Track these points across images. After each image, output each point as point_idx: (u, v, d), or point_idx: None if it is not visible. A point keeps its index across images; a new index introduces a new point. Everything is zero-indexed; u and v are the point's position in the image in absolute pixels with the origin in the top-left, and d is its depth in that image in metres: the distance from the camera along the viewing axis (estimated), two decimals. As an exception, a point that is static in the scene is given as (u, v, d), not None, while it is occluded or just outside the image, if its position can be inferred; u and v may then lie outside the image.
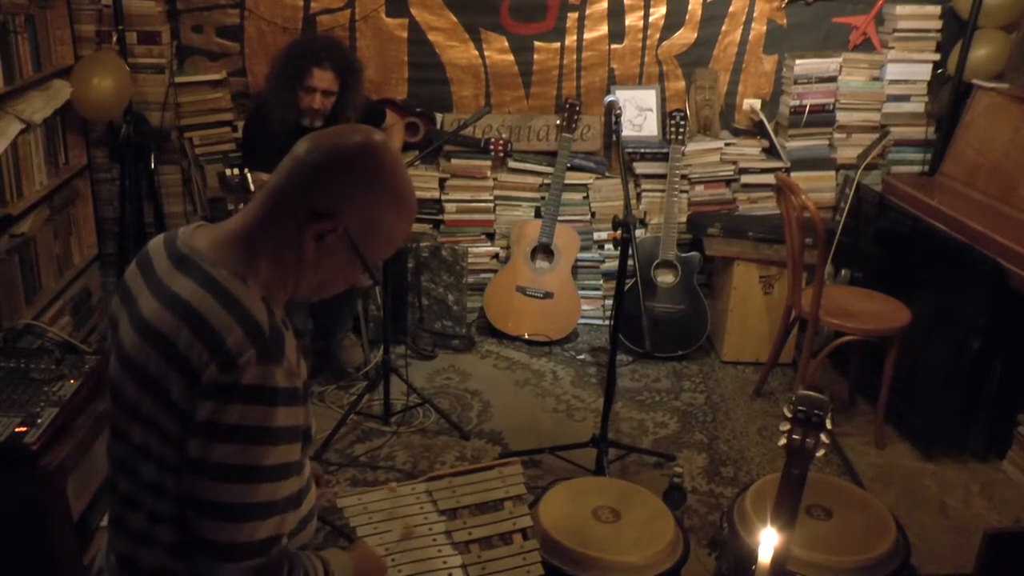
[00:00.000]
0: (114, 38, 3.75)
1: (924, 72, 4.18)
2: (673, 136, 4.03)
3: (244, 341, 1.20)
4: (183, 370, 1.21)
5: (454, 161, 4.23)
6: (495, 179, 4.25)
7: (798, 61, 4.13)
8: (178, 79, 3.97)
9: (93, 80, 3.56)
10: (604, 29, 4.19)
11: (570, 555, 2.03)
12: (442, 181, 4.22)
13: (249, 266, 1.29)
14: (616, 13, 4.16)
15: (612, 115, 3.18)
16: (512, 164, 4.24)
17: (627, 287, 3.00)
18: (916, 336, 3.36)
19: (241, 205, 3.32)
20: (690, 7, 4.15)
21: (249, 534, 1.23)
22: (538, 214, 4.25)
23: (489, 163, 4.22)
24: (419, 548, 1.77)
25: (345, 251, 1.32)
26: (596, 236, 4.31)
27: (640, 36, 4.20)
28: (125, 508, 1.34)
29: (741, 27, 4.20)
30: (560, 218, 4.12)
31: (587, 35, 4.20)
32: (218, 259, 1.29)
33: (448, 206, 4.23)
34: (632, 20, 4.18)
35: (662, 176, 4.13)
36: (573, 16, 4.16)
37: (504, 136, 4.21)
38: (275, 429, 1.22)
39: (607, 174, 4.28)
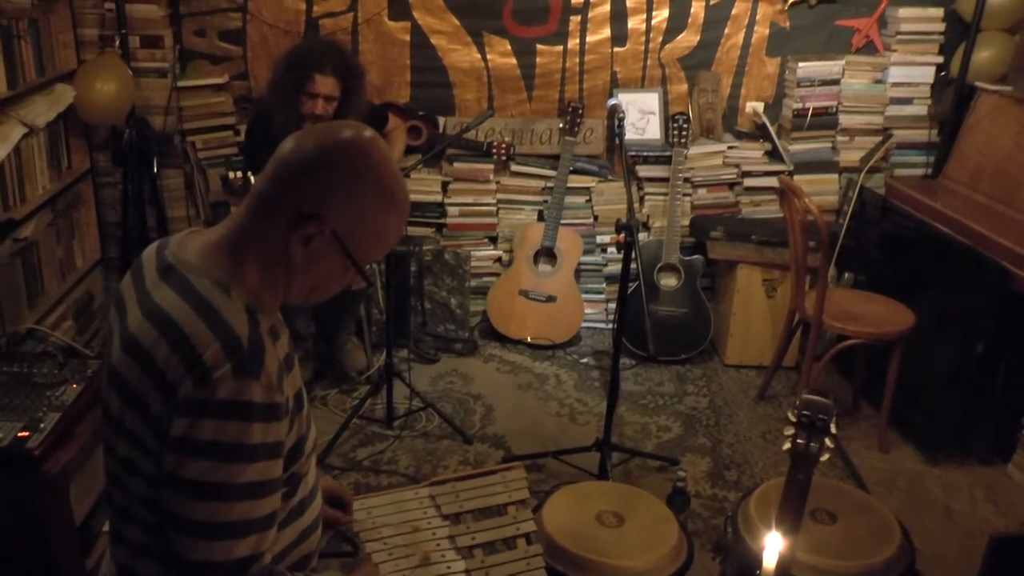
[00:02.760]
0: (117, 42, 3.75)
1: (927, 75, 4.18)
2: (676, 139, 4.03)
3: (220, 355, 1.17)
4: (160, 385, 1.19)
5: (457, 164, 4.22)
6: (498, 182, 4.25)
7: (801, 64, 4.13)
8: (180, 83, 3.97)
9: (96, 84, 3.56)
10: (607, 32, 4.19)
11: (574, 560, 2.02)
12: (445, 185, 4.22)
13: (234, 274, 1.26)
14: (619, 16, 4.16)
15: (615, 118, 3.18)
16: (515, 167, 4.24)
17: (630, 290, 3.00)
18: (920, 339, 3.35)
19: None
20: (693, 10, 4.15)
21: (224, 552, 1.20)
22: (541, 217, 4.25)
23: (492, 166, 4.21)
24: (421, 555, 1.76)
25: (335, 252, 1.29)
26: (599, 239, 4.31)
27: (643, 39, 4.20)
28: (121, 520, 1.32)
29: (744, 30, 4.19)
30: (563, 221, 4.11)
31: (590, 38, 4.20)
32: (202, 268, 1.26)
33: (451, 210, 4.23)
34: (635, 23, 4.17)
35: (665, 179, 4.13)
36: (576, 19, 4.16)
37: (507, 139, 4.21)
38: (251, 446, 1.18)
39: (610, 177, 4.27)
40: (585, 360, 4.10)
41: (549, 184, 4.19)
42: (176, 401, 1.17)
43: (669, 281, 4.06)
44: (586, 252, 4.23)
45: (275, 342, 1.27)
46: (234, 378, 1.17)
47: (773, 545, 1.65)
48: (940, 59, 4.16)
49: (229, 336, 1.19)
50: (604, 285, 4.37)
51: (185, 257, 1.28)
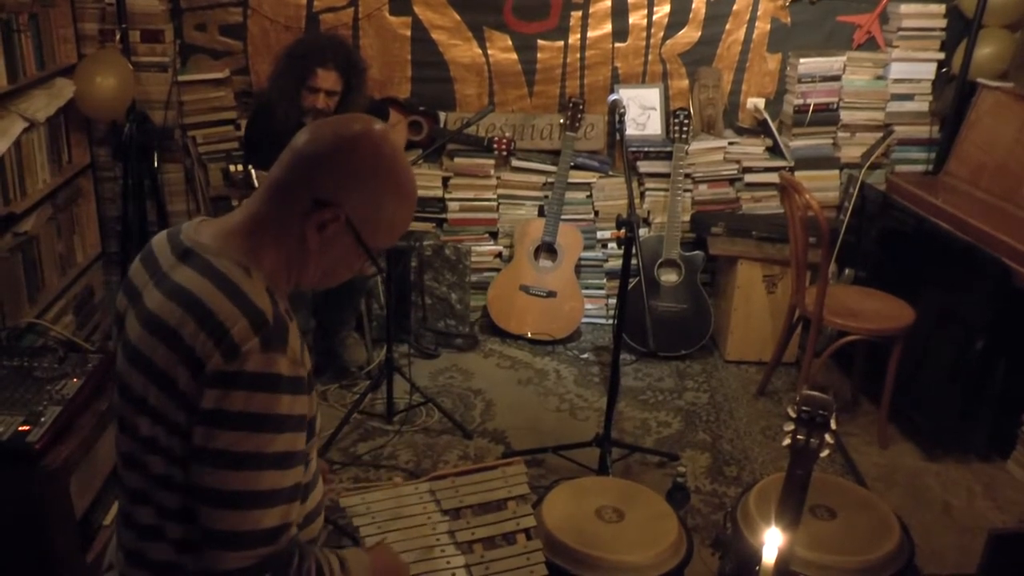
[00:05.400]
0: (117, 36, 3.75)
1: (928, 71, 4.17)
2: (677, 135, 4.03)
3: (248, 330, 1.21)
4: (188, 360, 1.22)
5: (457, 160, 4.22)
6: (498, 178, 4.25)
7: (802, 60, 4.12)
8: (181, 77, 3.97)
9: (96, 79, 3.56)
10: (608, 27, 4.18)
11: (573, 555, 2.03)
12: (445, 180, 4.22)
13: (252, 257, 1.31)
14: (620, 12, 4.15)
15: (616, 114, 3.18)
16: (515, 163, 4.23)
17: (631, 286, 3.00)
18: (920, 335, 3.35)
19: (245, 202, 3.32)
20: (694, 5, 4.15)
21: (255, 522, 1.23)
22: (541, 213, 4.25)
23: (492, 162, 4.21)
24: (422, 548, 1.77)
25: (348, 239, 1.34)
26: (599, 235, 4.30)
27: (644, 35, 4.20)
28: (133, 503, 1.34)
29: (745, 26, 4.19)
30: (563, 217, 4.11)
31: (591, 34, 4.19)
32: (222, 250, 1.30)
33: (451, 205, 4.23)
34: (636, 19, 4.17)
35: (666, 175, 4.13)
36: (577, 15, 4.16)
37: (507, 135, 4.21)
38: (279, 416, 1.23)
39: (610, 173, 4.27)
40: (585, 356, 4.10)
41: (550, 180, 4.18)
42: (205, 375, 1.21)
43: (669, 277, 4.06)
44: (586, 248, 4.23)
45: (291, 322, 1.31)
46: (262, 351, 1.21)
47: (772, 541, 1.65)
48: (941, 55, 4.15)
49: (255, 312, 1.24)
50: (604, 281, 4.37)
51: (203, 241, 1.33)
